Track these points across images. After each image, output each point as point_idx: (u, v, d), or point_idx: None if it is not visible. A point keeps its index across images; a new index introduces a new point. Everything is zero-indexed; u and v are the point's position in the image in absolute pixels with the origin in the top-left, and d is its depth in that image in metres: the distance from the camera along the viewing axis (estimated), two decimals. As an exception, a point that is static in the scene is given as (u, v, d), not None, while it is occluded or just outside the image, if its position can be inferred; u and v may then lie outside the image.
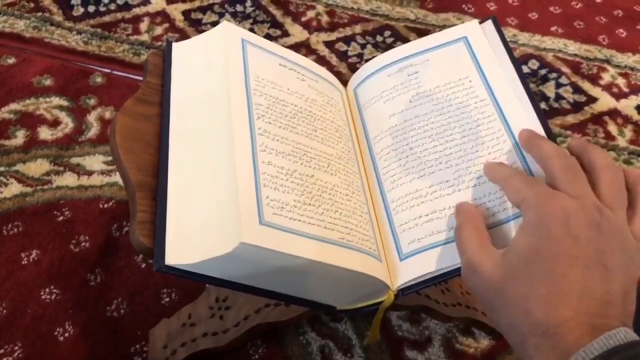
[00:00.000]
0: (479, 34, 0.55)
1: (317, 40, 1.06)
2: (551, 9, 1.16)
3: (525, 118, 0.49)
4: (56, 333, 0.67)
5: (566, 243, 0.35)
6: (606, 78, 1.03)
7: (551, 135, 0.48)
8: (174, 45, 0.56)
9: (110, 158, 0.83)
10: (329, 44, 1.05)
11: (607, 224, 0.36)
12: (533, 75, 1.02)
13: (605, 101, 0.99)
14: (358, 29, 1.09)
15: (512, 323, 0.35)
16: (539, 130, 0.48)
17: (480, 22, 0.57)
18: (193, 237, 0.42)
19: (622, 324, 0.33)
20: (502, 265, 0.37)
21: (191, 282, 0.70)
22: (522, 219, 0.38)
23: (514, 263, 0.36)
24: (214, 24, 1.06)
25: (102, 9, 1.07)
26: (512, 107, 0.50)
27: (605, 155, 0.41)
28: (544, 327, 0.33)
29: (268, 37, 1.04)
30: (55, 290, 0.71)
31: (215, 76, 0.50)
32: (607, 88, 1.01)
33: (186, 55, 0.55)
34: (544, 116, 0.49)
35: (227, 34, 0.53)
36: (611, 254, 0.35)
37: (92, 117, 0.89)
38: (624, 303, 0.34)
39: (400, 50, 0.58)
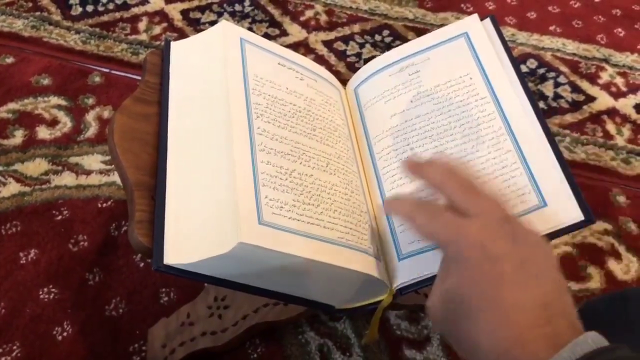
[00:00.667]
0: (480, 29, 0.55)
1: (316, 39, 1.06)
2: (550, 8, 1.16)
3: (524, 115, 0.49)
4: (55, 332, 0.67)
5: (487, 266, 0.35)
6: (604, 77, 1.03)
7: (550, 134, 0.48)
8: (173, 44, 0.56)
9: (108, 157, 0.83)
10: (327, 43, 1.05)
11: (518, 230, 0.37)
12: (531, 74, 1.02)
13: (604, 100, 0.99)
14: (357, 28, 1.09)
15: (468, 356, 0.35)
16: (538, 128, 0.48)
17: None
18: (192, 236, 0.42)
19: (567, 322, 0.33)
20: (442, 306, 0.37)
21: (190, 282, 0.70)
22: (441, 255, 0.38)
23: (450, 303, 0.36)
24: (213, 23, 1.06)
25: (100, 8, 1.07)
26: (512, 104, 0.50)
27: (435, 170, 0.41)
28: (495, 356, 0.33)
29: (267, 36, 1.04)
30: (53, 290, 0.71)
31: (214, 75, 0.50)
32: (606, 87, 1.01)
33: (185, 55, 0.54)
34: (542, 115, 0.49)
35: (226, 33, 0.53)
36: (532, 259, 0.35)
37: (90, 117, 0.89)
38: (560, 298, 0.35)
39: (402, 50, 0.58)
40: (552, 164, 0.46)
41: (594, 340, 0.31)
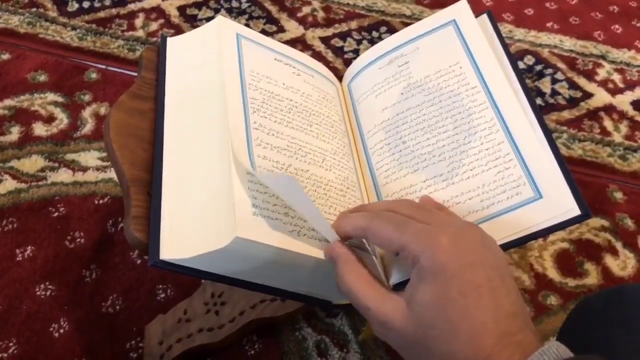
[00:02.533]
0: (468, 16, 0.54)
1: (313, 36, 1.06)
2: (547, 4, 1.16)
3: (516, 104, 0.48)
4: (51, 329, 0.67)
5: (467, 275, 0.34)
6: (602, 74, 1.03)
7: (547, 130, 0.47)
8: (169, 40, 0.55)
9: (105, 154, 0.83)
10: (324, 40, 1.05)
11: (483, 235, 0.37)
12: (529, 71, 1.02)
13: (601, 97, 0.99)
14: (354, 24, 1.09)
15: None
16: (533, 122, 0.47)
17: (475, 17, 0.56)
18: (188, 231, 0.42)
19: (532, 331, 0.34)
20: (414, 318, 0.35)
21: (187, 278, 0.70)
22: (412, 265, 0.36)
23: (425, 314, 0.35)
24: (210, 19, 1.05)
25: (96, 4, 1.07)
26: (503, 93, 0.49)
27: (358, 215, 0.41)
28: None
29: (264, 32, 1.04)
30: (50, 287, 0.70)
31: (210, 71, 0.50)
32: (603, 84, 1.01)
33: (181, 50, 0.54)
34: (539, 112, 0.49)
35: (222, 29, 0.53)
36: (498, 264, 0.35)
37: (87, 113, 0.89)
38: (524, 308, 0.35)
39: (391, 41, 0.57)
40: (548, 157, 0.46)
41: (558, 349, 0.32)
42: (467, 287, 0.34)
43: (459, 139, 0.49)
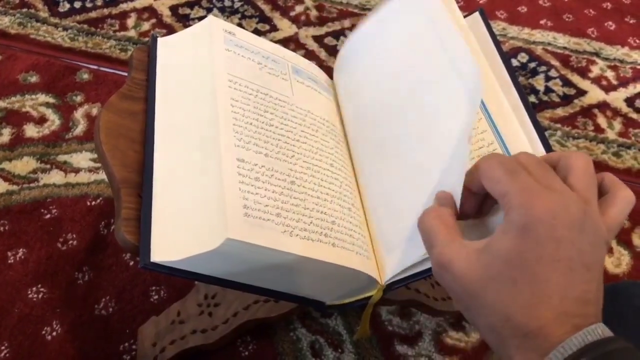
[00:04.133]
0: None
1: (306, 34, 1.05)
2: (540, 2, 1.16)
3: (496, 85, 0.46)
4: (44, 332, 0.67)
5: (550, 246, 0.34)
6: (595, 71, 1.03)
7: (540, 128, 0.47)
8: (159, 40, 0.55)
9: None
10: (317, 39, 1.05)
11: (589, 220, 0.35)
12: (522, 68, 1.02)
13: (595, 94, 0.99)
14: (347, 23, 1.08)
15: (491, 325, 0.34)
16: (526, 121, 0.47)
17: (468, 15, 0.55)
18: (179, 233, 0.41)
19: (597, 320, 0.33)
20: (480, 267, 0.35)
21: (180, 280, 0.70)
22: (504, 216, 0.35)
23: (494, 266, 0.34)
24: (202, 19, 1.05)
25: (88, 4, 1.06)
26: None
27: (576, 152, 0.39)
28: (526, 330, 0.33)
29: (256, 31, 1.03)
30: (42, 289, 0.70)
31: (201, 70, 0.50)
32: (597, 81, 1.01)
33: (171, 50, 0.54)
34: (532, 110, 0.48)
35: (213, 28, 0.53)
36: (591, 253, 0.35)
37: (78, 114, 0.88)
38: (598, 299, 0.34)
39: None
40: (535, 150, 0.45)
41: (604, 330, 0.32)
42: (545, 257, 0.33)
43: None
